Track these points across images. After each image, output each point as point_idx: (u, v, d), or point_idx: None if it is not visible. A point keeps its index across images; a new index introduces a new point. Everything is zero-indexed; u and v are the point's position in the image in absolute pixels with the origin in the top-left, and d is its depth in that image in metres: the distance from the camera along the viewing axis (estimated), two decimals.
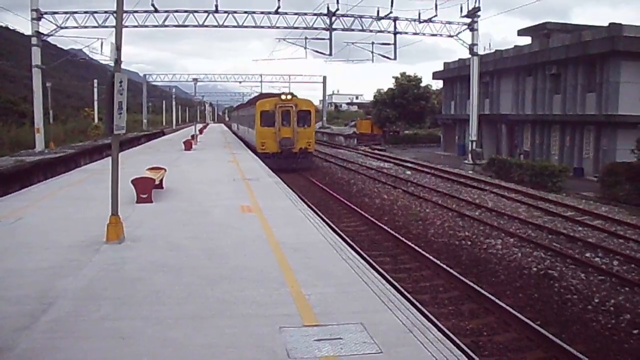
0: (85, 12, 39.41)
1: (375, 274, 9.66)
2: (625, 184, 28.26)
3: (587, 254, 15.63)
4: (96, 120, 66.63)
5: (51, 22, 38.79)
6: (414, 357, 6.32)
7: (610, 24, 39.32)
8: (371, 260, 13.77)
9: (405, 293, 11.48)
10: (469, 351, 8.84)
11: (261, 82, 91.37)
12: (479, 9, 40.31)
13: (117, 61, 11.23)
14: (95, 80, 71.93)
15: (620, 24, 38.80)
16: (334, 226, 17.28)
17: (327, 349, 6.40)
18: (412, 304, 9.12)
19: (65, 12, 39.27)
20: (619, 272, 13.93)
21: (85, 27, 39.56)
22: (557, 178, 30.93)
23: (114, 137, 11.53)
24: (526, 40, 52.80)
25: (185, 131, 73.47)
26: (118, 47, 11.28)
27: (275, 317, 7.34)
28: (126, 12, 36.19)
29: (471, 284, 12.88)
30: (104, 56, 46.86)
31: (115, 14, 11.61)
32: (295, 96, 37.51)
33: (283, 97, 35.79)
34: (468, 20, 41.24)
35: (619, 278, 13.43)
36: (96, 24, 39.31)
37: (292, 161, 35.02)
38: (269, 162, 30.56)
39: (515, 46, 51.04)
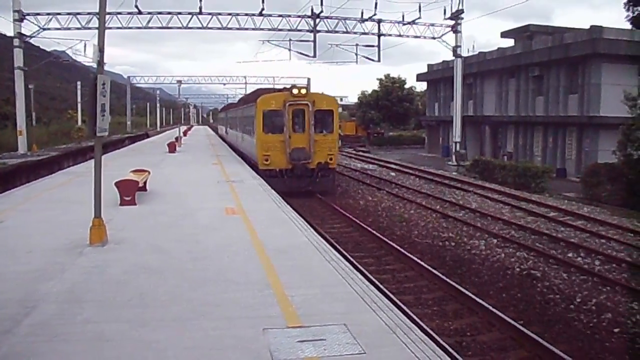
0: (69, 14, 39.26)
1: (359, 275, 9.69)
2: (607, 184, 28.57)
3: (570, 254, 15.76)
4: (80, 122, 66.25)
5: (34, 23, 38.72)
6: (397, 357, 6.35)
7: (591, 26, 39.79)
8: (355, 262, 13.81)
9: (389, 294, 11.53)
10: (452, 351, 8.91)
11: (245, 84, 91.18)
12: (462, 11, 40.61)
13: (100, 63, 11.18)
14: (79, 82, 71.57)
15: (601, 27, 39.28)
16: (318, 228, 17.31)
17: (310, 349, 6.42)
18: (396, 305, 9.15)
19: (48, 14, 39.13)
20: (601, 272, 14.07)
21: (69, 28, 39.42)
22: (540, 179, 31.15)
23: (96, 140, 11.49)
24: (509, 42, 53.27)
25: (170, 133, 73.18)
26: (101, 49, 11.24)
27: (259, 318, 7.35)
28: (109, 13, 36.09)
29: (455, 284, 12.96)
30: (88, 58, 46.71)
31: (98, 16, 11.56)
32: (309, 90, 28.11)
33: (295, 91, 25.79)
34: (451, 23, 41.54)
35: (600, 278, 13.56)
36: (79, 26, 39.17)
37: (307, 181, 25.70)
38: (275, 184, 22.29)
39: (499, 48, 51.48)
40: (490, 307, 11.44)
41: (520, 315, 11.70)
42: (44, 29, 38.84)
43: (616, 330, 10.84)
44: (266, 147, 25.69)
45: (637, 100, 28.31)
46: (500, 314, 11.10)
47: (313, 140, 25.61)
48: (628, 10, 60.57)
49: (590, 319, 11.40)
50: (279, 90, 29.01)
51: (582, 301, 12.22)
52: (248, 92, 65.72)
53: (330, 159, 26.06)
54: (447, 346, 9.05)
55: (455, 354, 8.86)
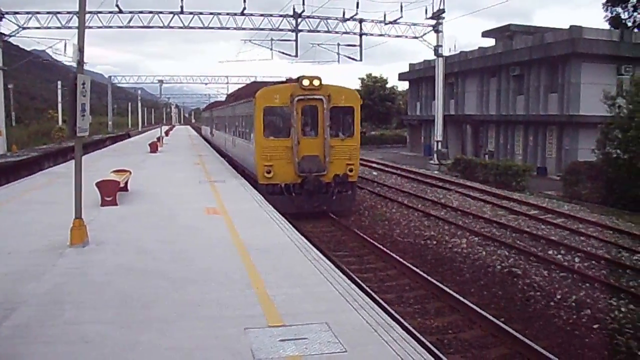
0: (49, 13, 38.87)
1: (341, 274, 9.73)
2: (587, 182, 28.86)
3: (550, 252, 15.94)
4: (60, 122, 65.64)
5: (13, 22, 38.25)
6: (379, 355, 6.40)
7: (571, 26, 40.15)
8: (337, 261, 13.84)
9: (371, 292, 11.57)
10: (433, 348, 8.96)
11: (227, 83, 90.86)
12: (443, 10, 40.75)
13: (80, 63, 11.10)
14: (60, 82, 70.87)
15: (580, 27, 39.66)
16: (299, 228, 17.30)
17: (292, 348, 6.45)
18: (378, 304, 9.19)
19: (28, 12, 38.71)
20: (580, 269, 14.25)
21: (49, 27, 39.06)
22: (521, 177, 31.39)
23: (77, 140, 11.43)
24: (490, 41, 53.57)
25: (151, 133, 72.81)
26: (81, 49, 11.17)
27: (241, 318, 7.37)
28: (89, 12, 35.86)
29: (436, 282, 13.03)
30: (68, 57, 46.29)
31: (78, 15, 11.48)
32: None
33: (305, 82, 20.10)
34: (433, 22, 41.68)
35: (580, 274, 13.73)
36: (59, 25, 38.77)
37: (321, 199, 20.35)
38: (279, 203, 18.08)
39: (480, 48, 51.73)
40: (472, 305, 11.51)
41: (502, 312, 11.79)
42: (24, 28, 38.44)
43: (595, 326, 10.97)
44: (268, 156, 20.09)
45: (615, 100, 28.63)
46: (481, 311, 11.17)
47: (328, 146, 20.22)
48: (606, 10, 61.41)
49: (570, 316, 11.52)
50: (284, 81, 22.97)
51: (562, 298, 12.35)
52: (230, 91, 63.44)
53: (350, 170, 20.65)
54: (428, 344, 9.11)
55: (436, 351, 8.91)
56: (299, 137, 20.05)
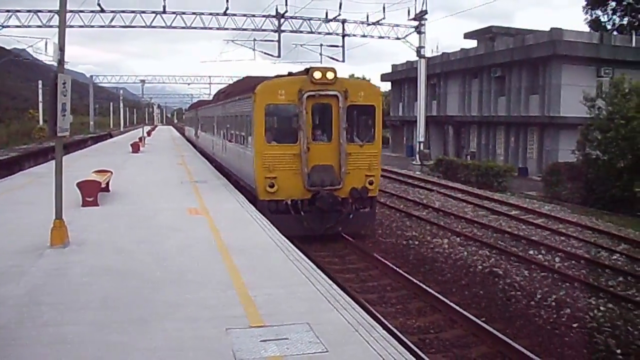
0: (29, 11, 38.61)
1: (323, 274, 9.74)
2: (567, 183, 29.13)
3: (531, 252, 16.08)
4: (41, 122, 65.06)
5: None
6: (360, 355, 6.41)
7: (551, 28, 40.50)
8: (318, 261, 13.84)
9: (352, 293, 11.59)
10: (415, 348, 9.01)
11: (210, 83, 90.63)
12: (425, 12, 41.02)
13: (61, 62, 11.02)
14: (40, 82, 70.24)
15: (561, 29, 40.02)
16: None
17: (273, 349, 6.45)
18: (359, 304, 9.21)
19: (8, 11, 38.46)
20: (561, 269, 14.38)
21: (29, 26, 38.77)
22: (502, 178, 31.61)
23: (57, 140, 11.34)
24: (472, 43, 53.86)
25: (133, 133, 72.27)
26: (61, 48, 11.07)
27: (222, 318, 7.35)
28: (71, 11, 35.59)
29: (418, 282, 13.09)
30: (49, 56, 45.84)
31: (59, 13, 11.39)
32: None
33: (317, 74, 16.44)
34: (415, 23, 41.95)
35: (560, 274, 13.86)
36: (40, 24, 38.52)
37: (334, 219, 16.78)
38: (284, 224, 14.83)
39: (462, 49, 52.01)
40: (453, 305, 11.58)
41: (483, 312, 11.88)
42: (4, 27, 38.20)
43: (575, 325, 11.07)
44: (270, 165, 16.47)
45: (595, 101, 28.92)
46: (462, 311, 11.24)
47: (344, 153, 16.67)
48: (586, 13, 62.14)
49: (550, 315, 11.62)
50: (289, 74, 18.89)
51: (542, 297, 12.45)
52: (213, 91, 60.42)
53: (371, 183, 17.23)
54: (410, 344, 9.16)
55: (418, 351, 8.96)
56: (308, 143, 16.48)
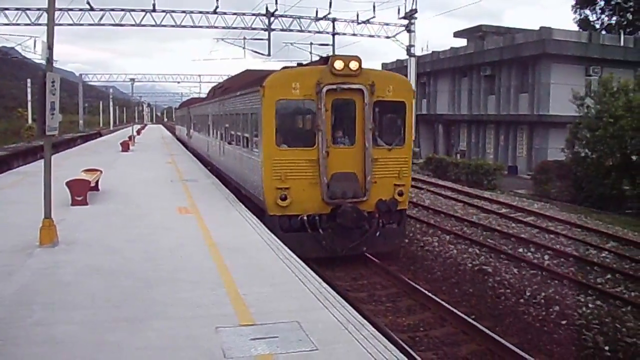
0: (18, 9, 38.32)
1: (312, 272, 9.76)
2: (556, 181, 29.31)
3: (520, 250, 16.15)
4: (30, 121, 64.68)
5: None
6: (349, 353, 6.44)
7: (541, 27, 40.71)
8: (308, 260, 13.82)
9: (341, 291, 11.61)
10: (405, 346, 9.04)
11: (200, 82, 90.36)
12: (415, 10, 41.03)
13: (50, 60, 10.98)
14: (29, 80, 69.81)
15: (550, 28, 40.21)
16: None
17: (263, 347, 6.46)
18: (349, 302, 9.24)
19: None
20: (550, 266, 14.47)
21: (18, 24, 38.51)
22: (492, 176, 31.71)
23: (46, 139, 11.28)
24: (462, 42, 54.04)
25: (123, 132, 71.95)
26: (50, 46, 11.03)
27: (212, 317, 7.36)
28: (60, 9, 35.45)
29: (408, 280, 13.13)
30: (38, 55, 45.65)
31: (47, 12, 11.34)
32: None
33: (338, 64, 13.81)
34: (405, 22, 41.94)
35: (549, 272, 13.95)
36: (29, 22, 38.20)
37: (358, 237, 14.24)
38: (300, 243, 13.15)
39: (452, 48, 52.13)
40: (443, 303, 11.64)
41: (472, 309, 11.94)
42: None
43: (564, 322, 11.15)
44: (282, 174, 13.85)
45: (584, 100, 29.09)
46: (452, 309, 11.30)
47: (370, 159, 14.19)
48: (575, 12, 62.48)
49: (540, 312, 11.70)
50: (302, 64, 16.92)
51: (531, 295, 12.53)
52: (204, 90, 58.62)
53: (400, 194, 14.64)
54: (400, 341, 9.19)
55: (408, 349, 8.99)
56: (327, 146, 13.94)
